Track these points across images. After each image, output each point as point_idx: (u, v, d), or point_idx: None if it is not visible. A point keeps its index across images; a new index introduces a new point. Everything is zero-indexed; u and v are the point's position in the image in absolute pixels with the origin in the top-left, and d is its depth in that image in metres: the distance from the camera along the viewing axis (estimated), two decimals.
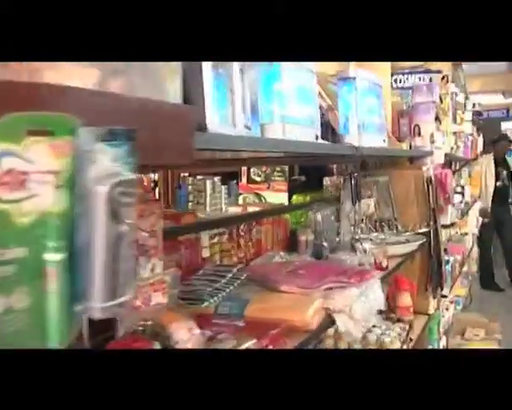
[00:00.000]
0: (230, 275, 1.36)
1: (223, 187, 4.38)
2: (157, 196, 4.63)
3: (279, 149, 1.07)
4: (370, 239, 2.12)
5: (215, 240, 1.61)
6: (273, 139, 0.96)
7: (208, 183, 4.59)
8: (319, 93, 2.11)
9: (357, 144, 1.67)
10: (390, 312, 2.40)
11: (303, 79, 1.26)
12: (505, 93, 7.47)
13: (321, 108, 1.94)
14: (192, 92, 0.82)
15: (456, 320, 3.49)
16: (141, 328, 0.92)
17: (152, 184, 4.80)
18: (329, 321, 1.28)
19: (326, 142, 1.38)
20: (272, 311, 1.22)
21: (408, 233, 2.37)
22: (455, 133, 3.20)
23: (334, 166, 2.67)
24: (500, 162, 5.75)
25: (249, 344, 1.00)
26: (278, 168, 2.85)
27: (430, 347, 2.78)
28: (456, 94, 3.35)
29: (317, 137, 1.34)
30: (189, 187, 4.67)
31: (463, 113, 3.61)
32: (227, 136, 0.84)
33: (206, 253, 1.56)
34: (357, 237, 1.95)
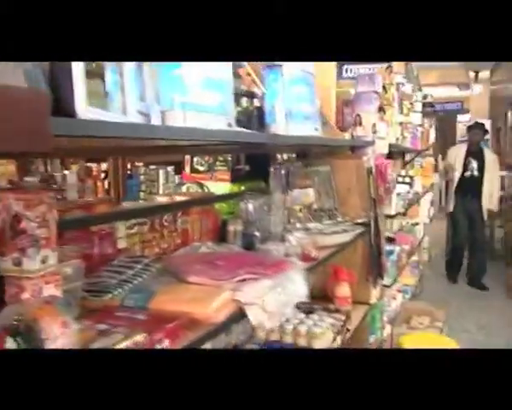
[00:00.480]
0: (140, 266, 1.32)
1: (176, 177, 4.32)
2: (106, 186, 4.57)
3: (171, 137, 1.02)
4: (305, 229, 2.12)
5: (134, 230, 1.57)
6: (156, 126, 0.92)
7: (161, 172, 4.53)
8: (254, 81, 2.09)
9: (283, 133, 1.66)
10: (328, 302, 2.40)
11: (211, 67, 1.22)
12: (460, 86, 7.59)
13: (256, 95, 1.92)
14: (59, 78, 0.78)
15: (403, 309, 3.53)
16: (15, 322, 0.87)
17: (102, 175, 4.72)
18: (240, 314, 1.25)
19: (240, 129, 1.33)
20: (176, 303, 1.19)
21: (348, 223, 2.36)
22: (401, 124, 3.20)
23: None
24: (473, 152, 5.38)
25: (137, 338, 0.97)
26: (221, 158, 2.80)
27: (372, 336, 2.79)
28: (403, 84, 3.36)
29: (229, 125, 1.31)
30: (142, 177, 4.60)
31: (411, 104, 3.62)
32: (99, 122, 0.79)
33: (122, 243, 1.51)
34: (288, 228, 1.94)
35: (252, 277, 1.31)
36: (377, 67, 2.96)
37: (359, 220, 2.44)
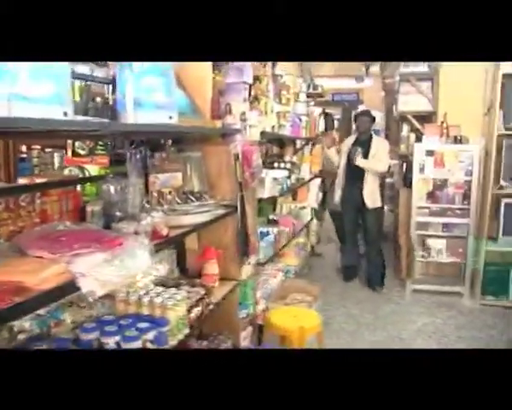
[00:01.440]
0: None
1: None
2: None
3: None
4: (172, 210, 2.29)
5: None
6: None
7: (56, 155, 4.51)
8: None
9: (131, 121, 1.80)
10: (196, 278, 2.59)
11: None
12: (357, 78, 8.05)
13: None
14: None
15: (282, 287, 3.79)
16: None
17: None
18: (72, 283, 1.39)
19: (73, 118, 1.46)
20: (10, 274, 1.32)
21: (214, 205, 2.53)
22: (278, 113, 3.43)
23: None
24: (361, 141, 5.04)
25: None
26: (101, 143, 2.91)
27: (244, 311, 3.01)
28: (281, 76, 3.58)
29: (65, 114, 1.43)
30: (36, 160, 4.56)
31: (289, 93, 3.84)
32: None
33: None
34: (147, 208, 2.09)
35: (86, 251, 1.46)
36: None
37: (227, 202, 2.64)
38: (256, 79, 3.11)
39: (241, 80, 2.71)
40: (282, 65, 4.96)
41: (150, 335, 1.89)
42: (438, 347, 3.68)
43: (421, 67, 5.05)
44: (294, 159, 4.63)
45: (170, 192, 2.46)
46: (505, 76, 4.27)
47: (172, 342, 2.03)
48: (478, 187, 4.59)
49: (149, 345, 1.88)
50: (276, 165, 4.02)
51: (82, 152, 3.04)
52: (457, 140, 4.66)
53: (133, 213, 2.04)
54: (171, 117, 2.03)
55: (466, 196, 4.64)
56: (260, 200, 3.42)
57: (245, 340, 3.02)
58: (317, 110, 5.89)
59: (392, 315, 4.32)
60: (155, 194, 2.38)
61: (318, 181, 5.26)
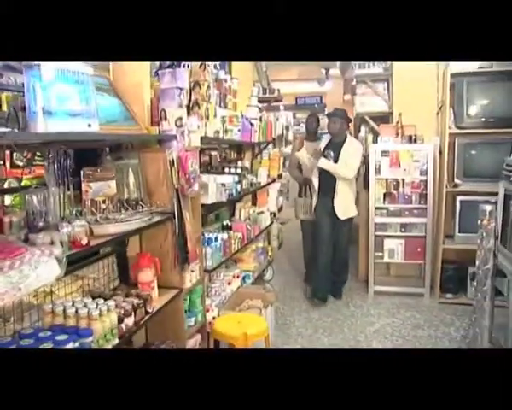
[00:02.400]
0: None
1: None
2: None
3: None
4: (106, 219, 2.26)
5: None
6: None
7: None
8: None
9: (42, 130, 1.76)
10: (132, 287, 2.56)
11: None
12: (320, 81, 8.10)
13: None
14: None
15: (238, 293, 3.76)
16: None
17: None
18: None
19: None
20: None
21: (147, 212, 2.50)
22: (223, 117, 3.40)
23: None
24: (334, 143, 4.66)
25: None
26: (39, 153, 2.85)
27: (192, 319, 2.98)
28: (226, 80, 3.56)
29: None
30: None
31: (235, 98, 3.81)
32: None
33: None
34: (68, 217, 2.06)
35: None
36: (194, 64, 3.13)
37: (164, 209, 2.61)
38: (196, 84, 3.09)
39: (174, 86, 2.68)
40: (235, 69, 5.00)
41: (68, 347, 1.84)
42: (393, 347, 3.68)
43: (377, 69, 5.08)
44: (247, 164, 4.59)
45: (104, 201, 2.43)
46: (454, 75, 4.31)
47: None
48: (434, 186, 4.62)
49: None
50: (226, 170, 4.00)
51: (20, 164, 2.97)
52: (412, 140, 4.69)
53: (54, 223, 2.00)
54: (89, 125, 2.01)
55: (422, 196, 4.67)
56: (214, 205, 3.39)
57: (194, 348, 2.99)
58: (281, 114, 5.90)
59: (351, 318, 4.32)
60: (88, 203, 2.35)
61: (278, 185, 5.23)
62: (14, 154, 3.00)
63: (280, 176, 5.32)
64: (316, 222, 4.88)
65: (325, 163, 4.63)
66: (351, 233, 5.02)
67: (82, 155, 2.75)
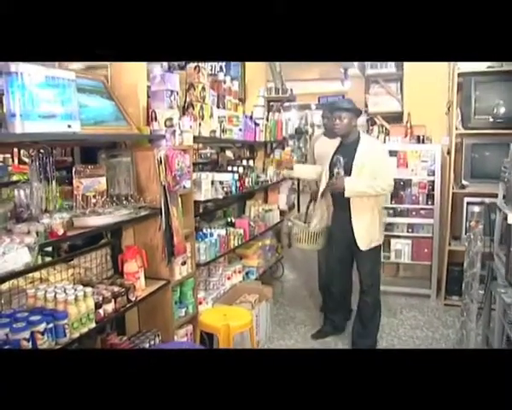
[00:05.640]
0: None
1: None
2: None
3: None
4: (94, 212, 2.45)
5: None
6: None
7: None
8: None
9: (19, 131, 1.94)
10: (118, 277, 2.73)
11: None
12: (343, 81, 8.10)
13: None
14: None
15: (236, 288, 3.88)
16: None
17: None
18: None
19: None
20: None
21: (136, 207, 2.66)
22: (220, 117, 3.52)
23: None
24: (345, 146, 3.55)
25: None
26: (42, 151, 3.06)
27: (182, 309, 3.13)
28: (225, 81, 3.68)
29: None
30: None
31: (235, 98, 3.90)
32: None
33: None
34: (50, 210, 2.24)
35: None
36: (189, 67, 3.28)
37: (153, 205, 2.77)
38: (191, 86, 3.24)
39: (163, 88, 2.82)
40: (249, 70, 5.11)
41: (41, 327, 2.00)
42: (386, 347, 3.72)
43: (389, 68, 5.09)
44: (251, 162, 4.70)
45: (94, 196, 2.61)
46: (461, 75, 4.29)
47: (74, 335, 2.17)
48: (441, 186, 4.61)
49: (40, 336, 2.00)
50: (229, 168, 4.12)
51: (27, 160, 3.21)
52: (420, 140, 4.69)
53: (35, 215, 2.19)
54: (69, 126, 2.18)
55: (430, 196, 4.66)
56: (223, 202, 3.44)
57: (183, 337, 3.13)
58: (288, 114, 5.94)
59: (352, 317, 4.35)
60: (80, 197, 2.54)
61: (289, 183, 5.33)
62: (22, 151, 3.25)
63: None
64: (328, 249, 3.83)
65: (347, 187, 3.38)
66: (378, 268, 3.78)
67: (85, 153, 2.97)
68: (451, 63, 4.46)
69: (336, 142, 3.67)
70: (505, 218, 2.72)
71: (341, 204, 3.52)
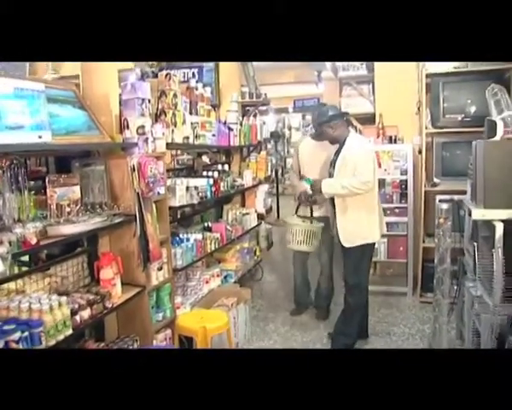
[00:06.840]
0: None
1: None
2: None
3: None
4: (69, 221, 2.48)
5: None
6: None
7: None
8: None
9: None
10: (95, 285, 2.76)
11: None
12: (317, 83, 8.20)
13: None
14: None
15: (213, 291, 3.93)
16: None
17: None
18: None
19: None
20: None
21: (110, 214, 2.69)
22: (193, 123, 3.57)
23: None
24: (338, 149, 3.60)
25: None
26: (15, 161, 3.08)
27: (159, 314, 3.16)
28: (197, 88, 3.73)
29: None
30: None
31: (207, 104, 3.95)
32: None
33: None
34: (23, 219, 2.27)
35: None
36: (160, 74, 3.32)
37: (127, 212, 2.80)
38: (163, 93, 3.28)
39: (134, 96, 2.86)
40: (223, 74, 5.17)
41: (15, 336, 2.03)
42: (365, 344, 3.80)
43: (361, 71, 5.19)
44: (226, 167, 4.76)
45: (68, 204, 2.64)
46: (429, 76, 4.40)
47: (50, 343, 2.19)
48: (414, 185, 4.71)
49: (15, 345, 2.02)
50: (204, 173, 4.17)
51: None
52: (392, 140, 4.79)
53: (8, 225, 2.21)
54: (40, 136, 2.21)
55: (403, 195, 4.76)
56: (199, 207, 3.48)
57: (163, 342, 3.17)
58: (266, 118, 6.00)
59: (330, 316, 4.43)
60: (54, 206, 2.56)
61: (266, 187, 5.39)
62: None
63: (267, 178, 5.48)
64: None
65: (324, 185, 3.55)
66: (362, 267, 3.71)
67: (59, 163, 2.99)
68: (420, 65, 4.57)
69: (323, 143, 3.83)
70: (470, 214, 2.80)
71: (331, 201, 3.68)
